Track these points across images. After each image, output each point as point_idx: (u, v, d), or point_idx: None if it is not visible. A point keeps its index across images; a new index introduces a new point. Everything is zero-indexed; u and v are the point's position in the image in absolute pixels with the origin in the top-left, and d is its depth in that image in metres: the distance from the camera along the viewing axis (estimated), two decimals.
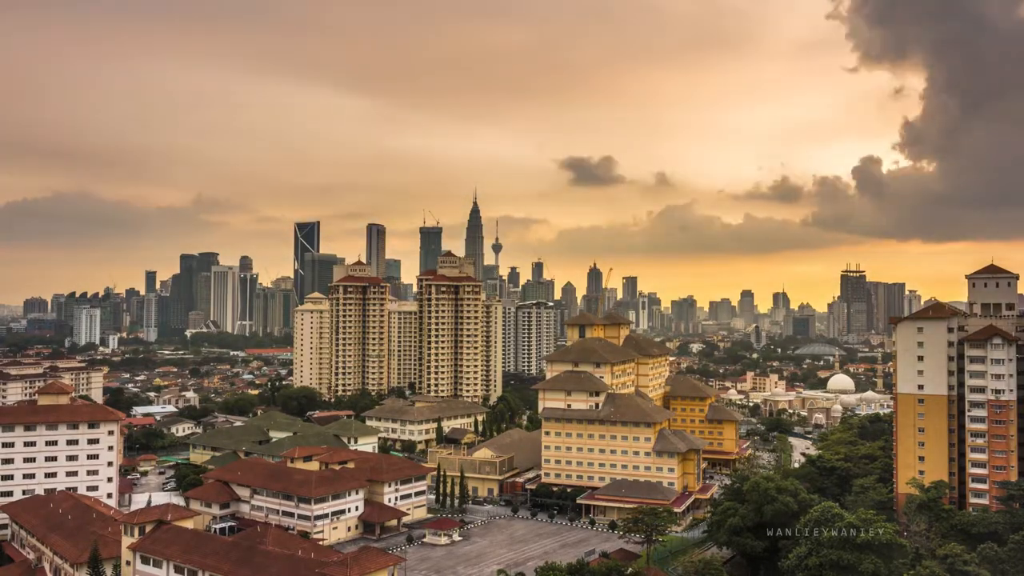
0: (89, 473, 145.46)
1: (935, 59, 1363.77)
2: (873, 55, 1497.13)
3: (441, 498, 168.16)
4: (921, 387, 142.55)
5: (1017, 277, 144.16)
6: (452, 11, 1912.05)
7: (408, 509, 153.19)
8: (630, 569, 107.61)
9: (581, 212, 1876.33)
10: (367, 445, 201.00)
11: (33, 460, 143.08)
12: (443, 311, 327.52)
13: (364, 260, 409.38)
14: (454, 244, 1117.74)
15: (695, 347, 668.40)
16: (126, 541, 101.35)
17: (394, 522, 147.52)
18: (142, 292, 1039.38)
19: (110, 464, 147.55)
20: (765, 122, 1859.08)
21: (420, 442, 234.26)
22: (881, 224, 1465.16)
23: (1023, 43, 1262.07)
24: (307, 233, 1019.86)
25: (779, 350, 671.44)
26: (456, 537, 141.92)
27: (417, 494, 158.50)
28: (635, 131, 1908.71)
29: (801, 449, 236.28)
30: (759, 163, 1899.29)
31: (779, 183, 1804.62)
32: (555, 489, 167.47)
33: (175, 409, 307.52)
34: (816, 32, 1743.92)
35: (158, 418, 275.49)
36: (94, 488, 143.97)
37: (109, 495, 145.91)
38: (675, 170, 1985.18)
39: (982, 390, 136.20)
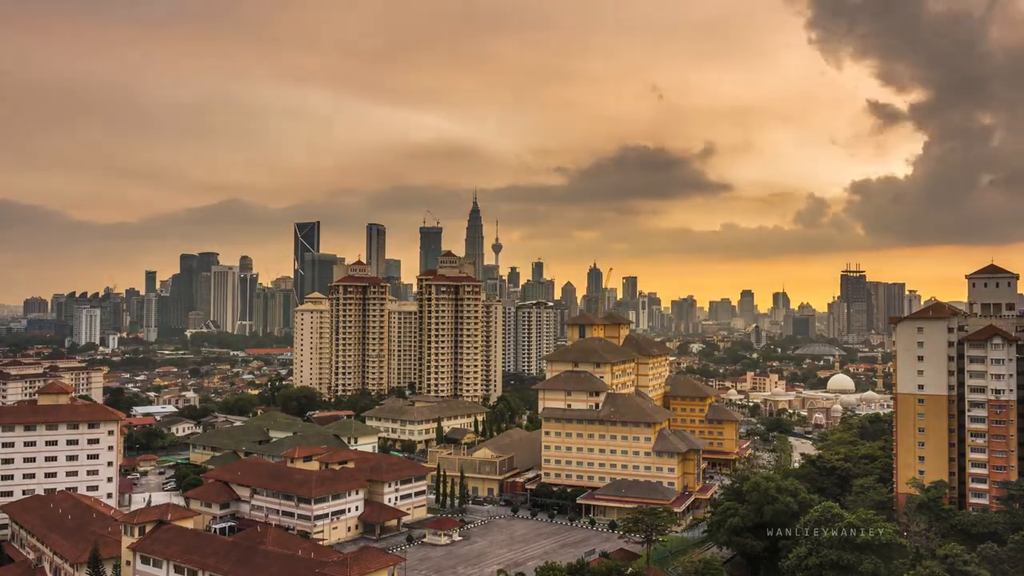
0: (89, 473, 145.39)
1: (920, 69, 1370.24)
2: (855, 61, 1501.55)
3: (441, 498, 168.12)
4: (921, 387, 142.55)
5: (1017, 277, 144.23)
6: (453, 12, 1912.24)
7: (408, 509, 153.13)
8: (630, 569, 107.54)
9: (582, 212, 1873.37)
10: (367, 445, 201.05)
11: (33, 460, 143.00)
12: (443, 311, 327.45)
13: (364, 260, 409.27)
14: (454, 244, 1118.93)
15: (695, 347, 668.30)
16: (126, 541, 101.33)
17: (394, 522, 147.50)
18: (142, 292, 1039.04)
19: (110, 464, 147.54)
20: (761, 127, 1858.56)
21: (420, 442, 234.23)
22: (866, 230, 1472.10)
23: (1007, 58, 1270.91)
24: (307, 233, 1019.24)
25: (779, 350, 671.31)
26: (456, 537, 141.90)
27: (417, 494, 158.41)
28: (635, 134, 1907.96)
29: (801, 449, 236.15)
30: (755, 165, 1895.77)
31: (771, 189, 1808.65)
32: (555, 489, 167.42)
33: (175, 409, 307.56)
34: (807, 38, 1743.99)
35: (158, 418, 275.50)
36: (94, 488, 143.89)
37: (109, 495, 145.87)
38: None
39: (982, 390, 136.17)
